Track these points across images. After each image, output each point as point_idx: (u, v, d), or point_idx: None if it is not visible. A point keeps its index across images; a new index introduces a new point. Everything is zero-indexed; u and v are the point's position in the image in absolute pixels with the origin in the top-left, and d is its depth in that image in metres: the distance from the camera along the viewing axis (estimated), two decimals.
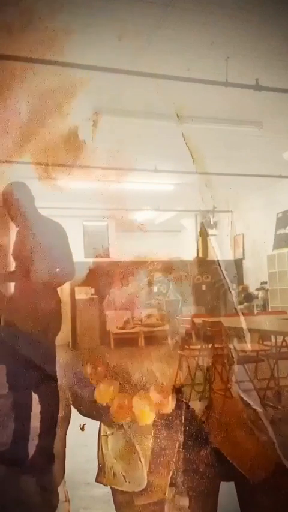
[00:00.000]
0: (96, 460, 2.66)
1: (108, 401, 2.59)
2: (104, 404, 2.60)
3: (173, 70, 4.26)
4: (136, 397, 2.51)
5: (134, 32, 3.92)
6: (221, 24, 3.97)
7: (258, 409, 2.54)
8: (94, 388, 2.69)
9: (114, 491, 2.53)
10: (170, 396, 2.49)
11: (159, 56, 4.26)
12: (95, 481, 2.58)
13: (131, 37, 3.98)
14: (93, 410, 2.63)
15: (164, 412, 2.47)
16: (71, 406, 2.94)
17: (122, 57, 4.15)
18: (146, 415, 2.47)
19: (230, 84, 4.55)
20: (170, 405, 2.47)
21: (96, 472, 2.62)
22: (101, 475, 2.55)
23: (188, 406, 2.56)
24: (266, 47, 4.34)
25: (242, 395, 2.61)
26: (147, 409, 2.47)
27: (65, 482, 2.94)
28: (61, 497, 2.85)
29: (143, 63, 4.14)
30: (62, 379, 2.85)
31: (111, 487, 2.53)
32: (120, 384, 2.65)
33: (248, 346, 3.12)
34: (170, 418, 2.47)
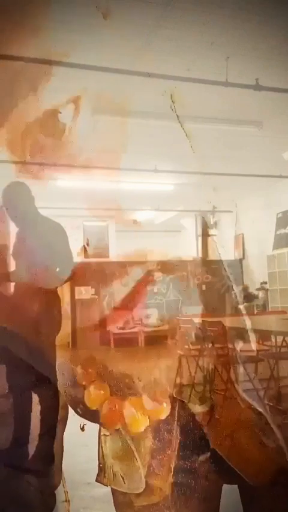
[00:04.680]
0: (96, 460, 2.65)
1: (98, 407, 2.50)
2: (95, 409, 2.53)
3: (173, 70, 4.26)
4: (127, 403, 2.42)
5: (134, 32, 3.92)
6: (221, 24, 3.97)
7: (260, 409, 2.53)
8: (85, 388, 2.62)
9: (114, 492, 2.52)
10: (165, 401, 2.41)
11: (159, 56, 4.26)
12: (96, 480, 2.57)
13: (131, 37, 3.99)
14: (88, 412, 2.59)
15: (158, 418, 2.38)
16: (69, 406, 2.92)
17: (122, 57, 4.15)
18: (138, 422, 2.39)
19: (230, 84, 4.55)
20: (164, 411, 2.39)
21: (97, 471, 2.61)
22: (101, 475, 2.53)
23: (186, 408, 2.53)
24: (266, 47, 4.34)
25: (243, 395, 2.61)
26: (139, 416, 2.39)
27: (65, 482, 2.94)
28: (61, 497, 2.84)
29: (143, 63, 4.14)
30: (60, 380, 2.83)
31: (111, 487, 2.52)
32: (110, 386, 2.56)
33: (253, 347, 3.07)
34: (168, 420, 2.43)
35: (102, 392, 2.55)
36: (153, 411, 2.38)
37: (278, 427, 2.30)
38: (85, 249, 4.70)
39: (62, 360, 2.99)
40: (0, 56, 3.23)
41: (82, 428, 2.74)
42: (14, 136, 3.01)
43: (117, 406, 2.42)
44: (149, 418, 2.37)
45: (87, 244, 4.67)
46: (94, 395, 2.55)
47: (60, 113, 3.04)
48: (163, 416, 2.39)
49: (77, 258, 3.67)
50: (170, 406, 2.39)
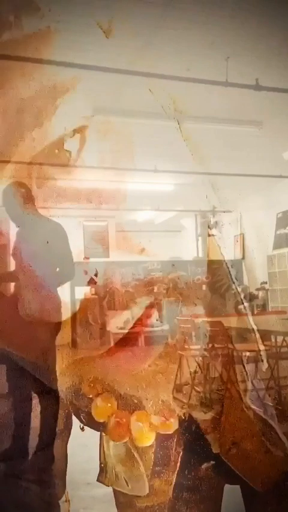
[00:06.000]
0: (96, 460, 2.65)
1: (105, 419, 2.47)
2: (102, 421, 2.50)
3: (173, 70, 4.26)
4: (134, 417, 2.39)
5: (134, 32, 3.91)
6: (221, 24, 3.97)
7: (260, 409, 2.52)
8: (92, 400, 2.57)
9: (116, 492, 2.51)
10: (172, 417, 2.37)
11: (159, 56, 4.26)
12: (97, 480, 2.57)
13: (131, 37, 3.98)
14: (92, 422, 2.56)
15: (165, 433, 2.35)
16: (72, 415, 2.89)
17: (121, 57, 4.15)
18: (145, 436, 2.36)
19: (230, 84, 4.55)
20: (172, 426, 2.35)
21: (98, 471, 2.61)
22: (103, 475, 2.52)
23: (187, 411, 2.52)
24: (266, 47, 4.34)
25: (243, 395, 2.60)
26: (146, 430, 2.35)
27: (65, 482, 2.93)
28: (61, 497, 2.84)
29: (143, 63, 4.14)
30: (64, 389, 2.79)
31: (113, 487, 2.52)
32: (117, 399, 2.51)
33: (261, 347, 3.03)
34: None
35: (109, 405, 2.52)
36: (161, 426, 2.36)
37: (279, 427, 2.29)
38: (94, 281, 4.66)
39: (64, 367, 2.96)
40: (1, 56, 3.24)
41: (82, 429, 2.74)
42: (21, 169, 3.04)
43: (124, 420, 2.39)
44: (156, 432, 2.35)
45: (96, 275, 4.64)
46: (101, 407, 2.51)
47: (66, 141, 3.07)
48: (171, 431, 2.36)
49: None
50: (177, 422, 2.36)
